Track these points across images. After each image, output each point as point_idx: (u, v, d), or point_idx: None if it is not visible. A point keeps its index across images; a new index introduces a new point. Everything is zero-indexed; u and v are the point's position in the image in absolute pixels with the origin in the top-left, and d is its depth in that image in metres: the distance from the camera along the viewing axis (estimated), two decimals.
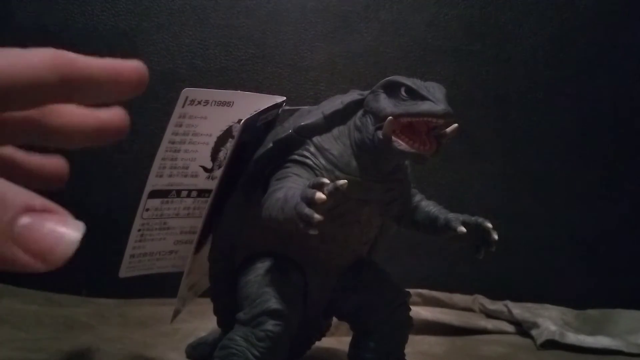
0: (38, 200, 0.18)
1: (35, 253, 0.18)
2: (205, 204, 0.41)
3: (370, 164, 0.37)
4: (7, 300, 0.63)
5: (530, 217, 0.83)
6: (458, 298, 0.74)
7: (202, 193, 0.43)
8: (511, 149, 0.84)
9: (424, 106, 0.34)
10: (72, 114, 0.25)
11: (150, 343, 0.54)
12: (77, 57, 0.22)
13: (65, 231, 0.18)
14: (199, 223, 0.41)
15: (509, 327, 0.68)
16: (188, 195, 0.43)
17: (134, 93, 0.25)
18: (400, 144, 0.35)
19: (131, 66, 0.24)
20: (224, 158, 0.41)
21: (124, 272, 0.42)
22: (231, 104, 0.40)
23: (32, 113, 0.24)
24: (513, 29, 0.84)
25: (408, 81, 0.35)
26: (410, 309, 0.43)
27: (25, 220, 0.18)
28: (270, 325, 0.37)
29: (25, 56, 0.20)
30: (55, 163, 0.27)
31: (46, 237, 0.18)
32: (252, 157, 0.40)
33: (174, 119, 0.38)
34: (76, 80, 0.22)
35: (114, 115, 0.27)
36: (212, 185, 0.41)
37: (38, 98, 0.21)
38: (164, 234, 0.43)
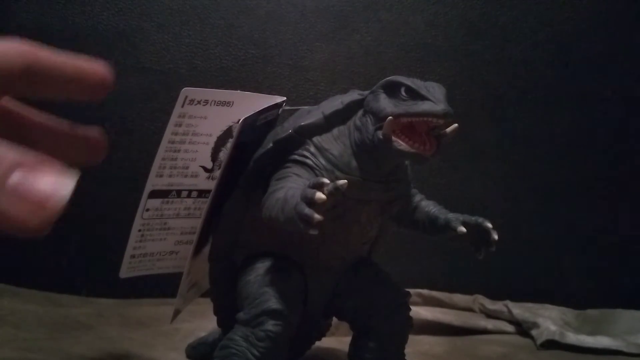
0: (29, 156, 0.19)
1: (27, 209, 0.18)
2: (205, 205, 0.41)
3: (370, 164, 0.37)
4: (7, 300, 0.63)
5: (530, 217, 0.83)
6: (458, 298, 0.74)
7: (202, 193, 0.43)
8: (511, 149, 0.84)
9: (424, 106, 0.34)
10: (51, 57, 0.24)
11: (150, 343, 0.54)
12: (42, 48, 0.22)
13: (56, 182, 0.18)
14: (199, 223, 0.41)
15: (509, 327, 0.68)
16: (188, 196, 0.43)
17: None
18: (400, 144, 0.35)
19: (96, 66, 0.24)
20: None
21: (125, 272, 0.42)
22: (231, 103, 0.40)
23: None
24: (513, 29, 0.84)
25: (408, 81, 0.35)
26: (410, 309, 0.43)
27: (16, 176, 0.18)
28: (270, 325, 0.37)
29: None
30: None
31: (38, 192, 0.18)
32: (252, 157, 0.40)
33: (173, 118, 0.38)
34: (41, 69, 0.22)
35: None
36: (213, 185, 0.41)
37: (4, 83, 0.21)
38: (164, 234, 0.43)
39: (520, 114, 0.84)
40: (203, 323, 0.58)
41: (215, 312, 0.46)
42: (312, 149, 0.38)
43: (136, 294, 0.71)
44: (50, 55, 0.23)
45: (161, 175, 0.40)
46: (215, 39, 0.81)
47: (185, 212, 0.43)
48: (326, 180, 0.32)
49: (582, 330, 0.66)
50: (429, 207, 0.42)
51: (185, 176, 0.41)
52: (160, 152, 0.39)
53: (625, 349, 0.59)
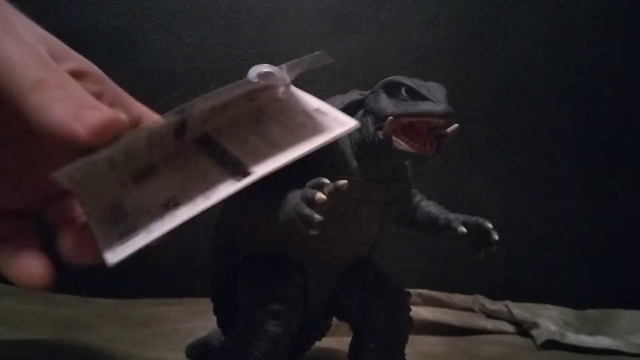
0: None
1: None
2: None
3: (371, 164, 0.37)
4: (7, 300, 0.63)
5: (530, 217, 0.83)
6: (458, 298, 0.74)
7: None
8: (511, 149, 0.84)
9: (425, 106, 0.34)
10: None
11: (150, 343, 0.54)
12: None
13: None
14: None
15: (509, 327, 0.68)
16: None
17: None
18: (401, 144, 0.35)
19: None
20: None
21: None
22: None
23: None
24: (513, 29, 0.84)
25: (408, 81, 0.35)
26: (410, 309, 0.43)
27: None
28: (270, 325, 0.37)
29: None
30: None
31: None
32: None
33: None
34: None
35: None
36: None
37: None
38: None
39: (520, 113, 0.84)
40: (203, 323, 0.58)
41: (215, 312, 0.46)
42: None
43: (136, 294, 0.71)
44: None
45: None
46: (215, 39, 0.81)
47: None
48: (326, 181, 0.32)
49: (582, 330, 0.66)
50: (429, 207, 0.42)
51: None
52: None
53: (625, 349, 0.59)
